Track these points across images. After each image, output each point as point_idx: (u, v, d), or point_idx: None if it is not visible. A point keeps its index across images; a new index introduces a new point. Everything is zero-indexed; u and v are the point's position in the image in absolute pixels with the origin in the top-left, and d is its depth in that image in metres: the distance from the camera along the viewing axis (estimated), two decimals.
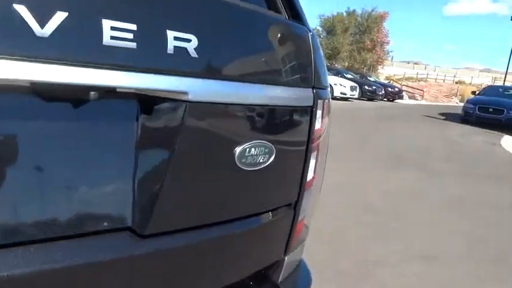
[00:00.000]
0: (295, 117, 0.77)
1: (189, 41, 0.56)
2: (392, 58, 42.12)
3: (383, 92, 20.94)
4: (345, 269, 2.41)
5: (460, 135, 10.09)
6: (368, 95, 19.87)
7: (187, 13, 0.58)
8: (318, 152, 0.87)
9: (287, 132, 0.77)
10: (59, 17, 0.46)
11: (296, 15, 0.81)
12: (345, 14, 35.58)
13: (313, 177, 0.89)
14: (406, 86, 30.15)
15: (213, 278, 0.73)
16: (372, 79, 23.78)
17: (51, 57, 0.47)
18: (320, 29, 36.33)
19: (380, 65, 35.97)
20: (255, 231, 0.78)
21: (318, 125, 0.84)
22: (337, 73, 20.79)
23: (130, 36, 0.51)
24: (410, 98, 27.27)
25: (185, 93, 0.56)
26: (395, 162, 5.68)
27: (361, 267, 2.48)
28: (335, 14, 35.30)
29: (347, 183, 4.24)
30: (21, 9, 0.44)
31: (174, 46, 0.55)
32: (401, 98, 23.71)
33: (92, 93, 0.50)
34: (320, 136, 0.87)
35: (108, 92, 0.52)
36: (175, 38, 0.54)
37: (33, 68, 0.45)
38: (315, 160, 0.87)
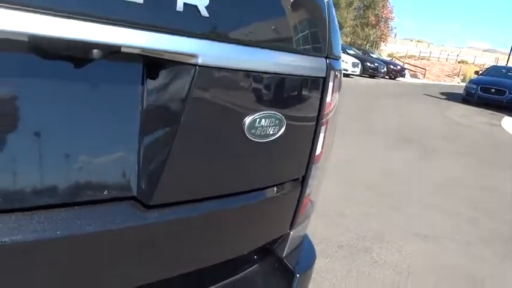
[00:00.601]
0: (308, 88, 0.73)
1: None
2: (395, 35, 41.42)
3: (385, 69, 20.69)
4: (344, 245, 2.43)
5: (461, 116, 10.06)
6: (370, 72, 19.64)
7: None
8: (327, 126, 0.84)
9: (299, 103, 0.73)
10: None
11: None
12: None
13: (321, 152, 0.86)
14: (409, 64, 29.79)
15: (218, 250, 0.71)
16: (374, 56, 23.44)
17: (51, 11, 0.42)
18: None
19: (383, 41, 35.40)
20: (261, 205, 0.75)
21: (329, 98, 0.80)
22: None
23: None
24: (412, 76, 27.01)
25: (194, 56, 0.52)
26: (392, 142, 5.66)
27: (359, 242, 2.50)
28: None
29: (344, 160, 4.24)
30: None
31: (184, 3, 0.50)
32: (403, 76, 23.48)
33: (95, 51, 0.46)
34: (331, 110, 0.83)
35: (112, 53, 0.48)
36: None
37: (30, 20, 0.41)
38: (323, 135, 0.84)
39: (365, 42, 33.60)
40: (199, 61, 0.53)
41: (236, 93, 0.61)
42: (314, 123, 0.77)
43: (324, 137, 0.85)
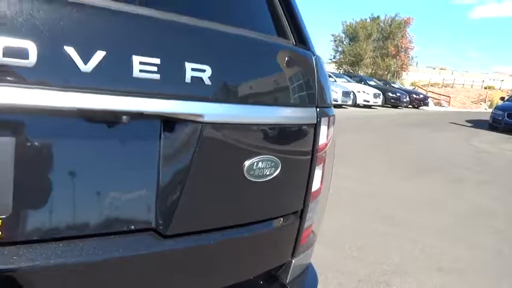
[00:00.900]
0: (300, 133, 0.86)
1: (203, 71, 0.65)
2: (417, 64, 41.35)
3: (407, 98, 20.61)
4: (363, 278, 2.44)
5: (487, 143, 9.83)
6: (392, 102, 19.61)
7: (203, 46, 0.68)
8: (324, 163, 0.95)
9: (292, 147, 0.85)
10: (99, 55, 0.57)
11: (302, 40, 0.89)
12: (368, 20, 35.30)
13: (320, 187, 0.96)
14: (432, 92, 29.52)
15: (225, 274, 0.82)
16: (396, 86, 23.45)
17: (92, 88, 0.57)
18: (343, 35, 36.16)
19: (404, 71, 35.35)
20: (264, 235, 0.86)
21: (323, 140, 0.92)
22: (360, 80, 20.62)
23: (155, 69, 0.61)
24: (436, 104, 26.68)
25: (201, 115, 0.66)
26: (415, 172, 5.62)
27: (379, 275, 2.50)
28: (358, 20, 35.06)
29: (364, 192, 4.25)
30: (70, 50, 0.55)
31: (191, 76, 0.65)
32: (426, 104, 23.24)
33: (124, 116, 0.61)
34: (325, 149, 0.94)
35: (137, 115, 0.63)
36: (193, 69, 0.65)
37: (78, 97, 0.56)
38: (321, 171, 0.95)
39: (386, 73, 33.66)
40: (205, 119, 0.66)
41: (236, 142, 0.74)
42: (309, 163, 0.89)
43: (323, 172, 0.95)
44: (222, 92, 0.69)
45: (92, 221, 0.64)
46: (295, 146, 0.85)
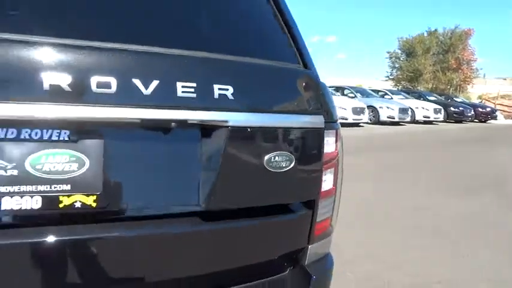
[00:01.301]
0: (310, 134, 1.05)
1: (227, 89, 0.91)
2: (484, 76, 38.83)
3: (472, 113, 19.46)
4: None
5: None
6: (455, 117, 18.65)
7: (227, 72, 0.95)
8: (335, 169, 1.14)
9: (304, 146, 1.05)
10: (155, 83, 0.85)
11: (307, 64, 1.13)
12: (425, 34, 34.15)
13: (333, 188, 1.15)
14: (501, 105, 27.47)
15: (254, 253, 1.03)
16: (459, 100, 22.28)
17: (151, 105, 0.84)
18: (399, 51, 35.28)
19: (468, 84, 33.37)
20: (283, 222, 1.07)
21: (332, 148, 1.11)
22: (419, 96, 19.91)
23: (192, 90, 0.87)
24: (507, 117, 24.76)
25: (227, 121, 0.91)
26: (476, 192, 5.35)
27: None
28: (414, 35, 34.01)
29: (418, 207, 4.20)
30: (137, 81, 0.83)
31: (219, 94, 0.90)
32: (494, 118, 21.70)
33: (173, 123, 0.87)
34: (336, 158, 1.13)
35: (182, 123, 0.89)
36: (219, 89, 0.90)
37: (142, 111, 0.84)
38: (333, 175, 1.13)
39: (448, 87, 32.02)
40: (230, 124, 0.91)
41: (256, 141, 0.96)
42: (318, 161, 1.08)
43: (335, 176, 1.14)
44: (243, 103, 0.93)
45: (154, 201, 0.90)
46: (307, 145, 1.06)
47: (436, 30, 33.97)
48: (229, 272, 1.00)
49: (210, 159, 0.93)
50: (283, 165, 1.00)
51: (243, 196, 0.98)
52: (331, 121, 1.11)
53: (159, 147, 0.91)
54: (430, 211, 4.14)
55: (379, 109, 15.29)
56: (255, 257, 1.04)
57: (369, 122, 14.70)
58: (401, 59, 34.90)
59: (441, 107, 17.86)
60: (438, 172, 6.31)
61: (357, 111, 13.61)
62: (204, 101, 0.89)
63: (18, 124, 0.78)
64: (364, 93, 17.50)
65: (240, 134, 0.93)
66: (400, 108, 15.48)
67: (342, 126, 1.14)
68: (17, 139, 0.79)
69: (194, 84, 0.88)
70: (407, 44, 33.71)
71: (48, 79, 0.77)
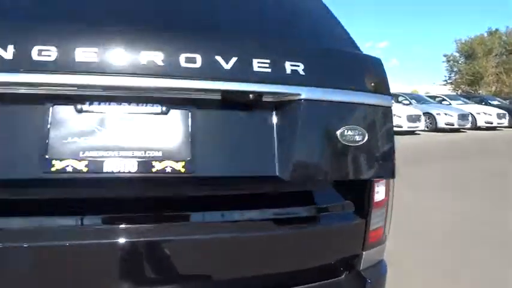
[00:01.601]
0: (382, 112, 1.07)
1: (298, 66, 0.96)
2: None
3: None
4: None
5: None
6: None
7: (297, 51, 1.00)
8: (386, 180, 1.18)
9: (376, 122, 1.07)
10: (233, 59, 0.91)
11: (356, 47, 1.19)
12: (485, 34, 32.16)
13: (385, 199, 1.18)
14: None
15: (314, 256, 1.09)
16: None
17: (230, 78, 0.91)
18: (457, 54, 33.51)
19: None
20: (340, 229, 1.13)
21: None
22: (481, 101, 18.71)
23: (267, 65, 0.93)
24: None
25: (300, 94, 0.95)
26: None
27: None
28: (473, 36, 32.15)
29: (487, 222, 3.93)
30: (219, 58, 0.91)
31: (291, 69, 0.95)
32: None
33: (250, 95, 0.92)
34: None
35: (258, 96, 0.94)
36: (291, 65, 0.95)
37: (223, 84, 0.90)
38: (384, 186, 1.18)
39: None
40: (303, 97, 0.95)
41: (329, 114, 1.00)
42: (390, 138, 1.09)
43: (388, 188, 1.19)
44: (312, 80, 0.98)
45: (235, 169, 0.97)
46: (378, 121, 1.07)
47: (497, 30, 31.87)
48: (293, 273, 1.07)
49: (285, 130, 0.98)
50: (357, 139, 1.02)
51: (318, 167, 1.02)
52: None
53: (238, 119, 0.98)
54: None
55: (436, 116, 14.60)
56: (316, 260, 1.10)
57: (426, 129, 14.06)
58: (459, 62, 33.11)
59: (505, 112, 16.63)
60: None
61: (412, 118, 13.10)
62: (277, 75, 0.95)
63: (116, 97, 0.89)
64: (419, 99, 16.83)
65: (312, 107, 0.97)
66: (459, 114, 14.67)
67: (396, 134, 1.16)
68: (115, 111, 0.89)
69: (269, 61, 0.94)
70: (466, 46, 31.91)
71: (144, 56, 0.86)
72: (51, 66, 0.83)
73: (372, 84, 1.08)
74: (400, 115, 12.61)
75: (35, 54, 0.83)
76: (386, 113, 1.09)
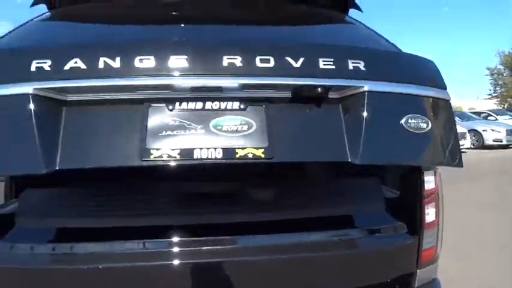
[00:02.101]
0: (442, 104, 1.15)
1: (359, 63, 1.07)
2: None
3: None
4: None
5: None
6: None
7: (358, 52, 1.12)
8: (436, 201, 1.25)
9: (438, 111, 1.15)
10: (301, 59, 1.03)
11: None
12: None
13: (436, 220, 1.25)
14: None
15: (373, 274, 1.19)
16: None
17: (299, 75, 1.02)
18: (501, 67, 32.16)
19: None
20: (394, 249, 1.22)
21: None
22: None
23: (332, 64, 1.04)
24: None
25: (364, 87, 1.05)
26: None
27: None
28: None
29: None
30: (289, 59, 1.04)
31: (353, 66, 1.06)
32: None
33: (319, 89, 1.03)
34: (434, 192, 1.27)
35: (326, 88, 1.05)
36: (353, 62, 1.06)
37: (294, 80, 1.02)
38: (434, 208, 1.25)
39: None
40: (366, 89, 1.05)
41: (394, 103, 1.09)
42: (451, 127, 1.17)
43: (437, 210, 1.26)
44: (373, 74, 1.08)
45: (308, 155, 1.07)
46: (439, 112, 1.15)
47: None
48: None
49: (352, 120, 1.08)
50: (422, 127, 1.09)
51: (385, 152, 1.10)
52: None
53: (308, 111, 1.09)
54: None
55: (482, 132, 13.95)
56: (374, 277, 1.20)
57: (472, 147, 13.47)
58: (504, 74, 31.72)
59: None
60: None
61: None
62: (342, 71, 1.06)
63: (200, 97, 1.04)
64: (463, 116, 16.20)
65: (375, 98, 1.07)
66: (508, 130, 13.91)
67: None
68: (203, 109, 1.04)
69: (332, 61, 1.06)
70: (510, 58, 30.59)
71: (226, 58, 1.01)
72: (149, 72, 1.00)
73: (428, 79, 1.17)
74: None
75: (137, 62, 0.99)
76: (446, 105, 1.17)
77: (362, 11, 1.65)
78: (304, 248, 1.14)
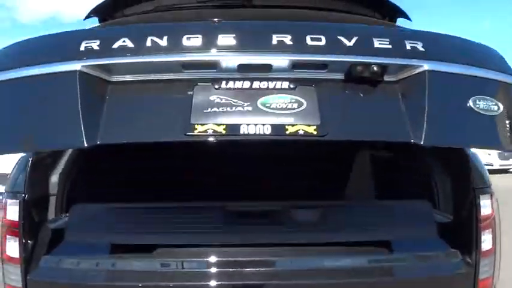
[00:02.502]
0: (507, 88, 1.06)
1: (417, 44, 1.02)
2: None
3: None
4: None
5: None
6: None
7: (417, 35, 1.08)
8: (493, 228, 1.17)
9: (503, 95, 1.05)
10: (355, 38, 0.99)
11: None
12: None
13: (492, 248, 1.16)
14: None
15: None
16: None
17: (352, 53, 0.98)
18: None
19: None
20: (453, 277, 1.14)
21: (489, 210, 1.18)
22: None
23: (387, 43, 1.00)
24: None
25: (423, 66, 0.99)
26: None
27: None
28: None
29: None
30: (342, 38, 1.00)
31: (410, 46, 1.01)
32: None
33: (375, 67, 0.97)
34: (490, 217, 1.19)
35: (383, 67, 0.99)
36: (410, 43, 1.01)
37: (347, 58, 0.98)
38: (491, 235, 1.17)
39: None
40: (427, 68, 0.98)
41: (459, 84, 1.01)
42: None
43: (494, 237, 1.17)
44: (433, 54, 1.02)
45: (364, 133, 1.01)
46: (505, 95, 1.06)
47: None
48: None
49: (411, 99, 1.01)
50: (491, 109, 1.01)
51: (452, 133, 1.02)
52: None
53: (364, 91, 1.03)
54: None
55: None
56: None
57: None
58: None
59: None
60: None
61: (504, 156, 11.92)
62: (401, 51, 1.01)
63: (248, 77, 1.01)
64: None
65: (438, 78, 1.00)
66: None
67: None
68: (250, 87, 1.01)
69: (388, 40, 1.02)
70: None
71: (276, 37, 0.99)
72: (197, 49, 0.98)
73: (494, 64, 1.10)
74: (490, 152, 11.49)
75: (185, 40, 0.98)
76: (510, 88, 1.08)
77: (411, 20, 1.63)
78: (351, 273, 1.08)
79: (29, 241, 1.14)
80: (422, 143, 0.95)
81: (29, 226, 1.15)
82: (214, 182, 1.54)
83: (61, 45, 1.06)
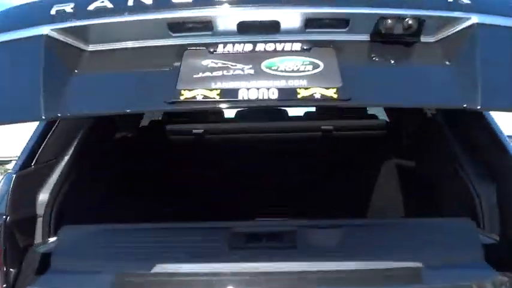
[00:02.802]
0: None
1: None
2: None
3: None
4: None
5: None
6: None
7: None
8: None
9: None
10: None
11: None
12: None
13: None
14: None
15: None
16: None
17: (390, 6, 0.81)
18: None
19: None
20: None
21: None
22: None
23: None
24: None
25: (472, 19, 0.80)
26: None
27: None
28: None
29: None
30: None
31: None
32: None
33: (410, 21, 0.79)
34: None
35: (420, 21, 0.80)
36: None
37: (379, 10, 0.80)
38: None
39: None
40: (476, 21, 0.79)
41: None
42: None
43: None
44: (480, 6, 0.84)
45: (391, 97, 0.83)
46: None
47: None
48: None
49: (457, 57, 0.83)
50: None
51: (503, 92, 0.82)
52: None
53: (395, 48, 0.84)
54: None
55: None
56: None
57: None
58: None
59: None
60: None
61: None
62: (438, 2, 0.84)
63: (252, 39, 0.83)
64: None
65: (487, 27, 0.82)
66: None
67: None
68: (253, 50, 0.82)
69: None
70: None
71: None
72: (188, 5, 0.82)
73: None
74: None
75: None
76: None
77: None
78: None
79: (11, 269, 1.01)
80: (479, 107, 0.77)
81: (12, 252, 1.01)
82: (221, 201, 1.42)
83: (31, 12, 0.94)
